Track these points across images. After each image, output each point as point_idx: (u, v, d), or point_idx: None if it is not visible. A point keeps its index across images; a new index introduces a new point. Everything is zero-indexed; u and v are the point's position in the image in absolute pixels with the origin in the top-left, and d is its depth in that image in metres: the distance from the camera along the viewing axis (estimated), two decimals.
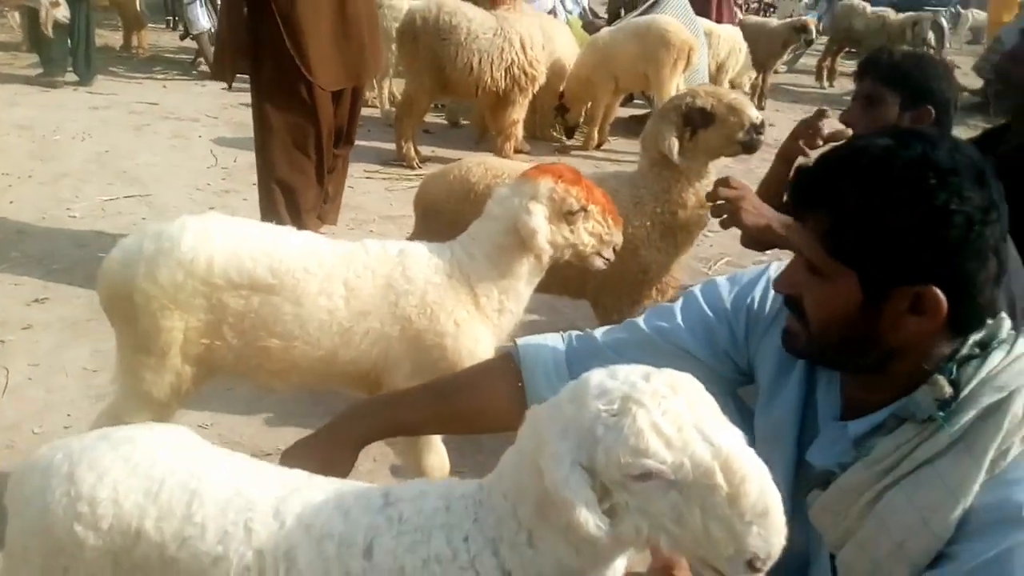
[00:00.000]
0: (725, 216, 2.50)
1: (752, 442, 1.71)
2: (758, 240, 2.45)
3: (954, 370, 1.39)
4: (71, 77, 8.02)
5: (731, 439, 1.09)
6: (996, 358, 1.38)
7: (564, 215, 2.07)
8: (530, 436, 1.17)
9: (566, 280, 2.72)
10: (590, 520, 1.07)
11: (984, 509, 1.32)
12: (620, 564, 1.26)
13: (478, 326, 2.12)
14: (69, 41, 7.90)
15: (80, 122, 6.77)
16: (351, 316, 2.07)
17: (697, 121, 2.62)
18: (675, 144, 2.61)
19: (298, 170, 3.94)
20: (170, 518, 1.27)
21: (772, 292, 1.71)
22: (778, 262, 1.78)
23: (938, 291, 1.32)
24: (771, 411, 1.71)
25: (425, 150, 6.62)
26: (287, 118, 3.88)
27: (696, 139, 2.64)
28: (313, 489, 1.33)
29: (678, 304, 1.80)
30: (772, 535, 1.08)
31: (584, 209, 2.08)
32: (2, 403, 3.08)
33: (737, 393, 1.86)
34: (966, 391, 1.36)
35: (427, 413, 1.77)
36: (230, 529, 1.26)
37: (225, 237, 2.05)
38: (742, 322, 1.73)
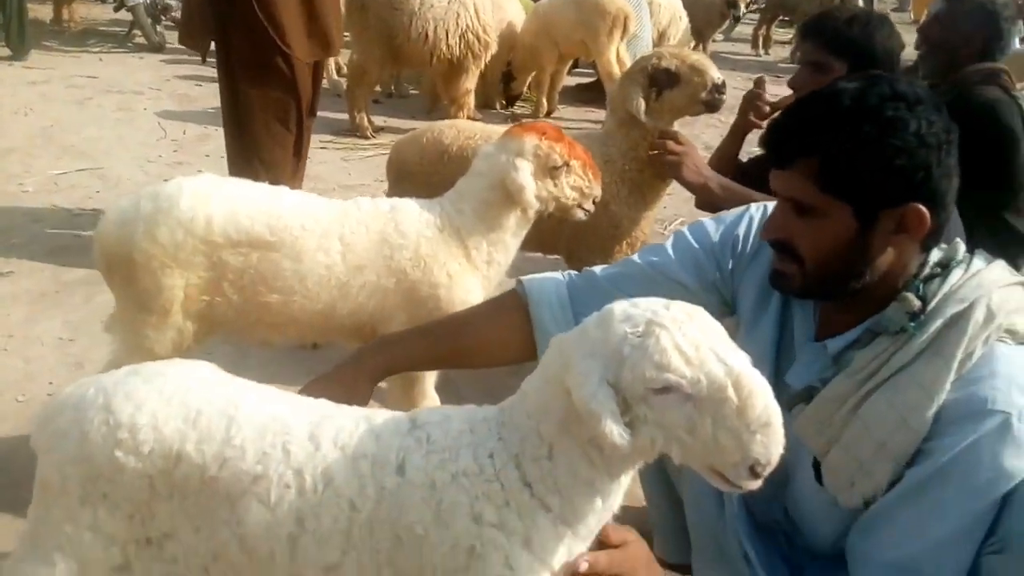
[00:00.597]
0: (668, 168, 2.69)
1: None
2: (702, 200, 2.63)
3: (920, 287, 1.58)
4: (4, 52, 7.77)
5: (741, 360, 1.24)
6: (956, 275, 1.58)
7: (548, 170, 2.19)
8: (556, 359, 1.30)
9: (542, 235, 2.84)
10: (615, 430, 1.20)
11: (954, 405, 1.51)
12: (625, 480, 1.40)
13: (469, 277, 2.24)
14: (1, 16, 7.64)
15: (20, 97, 6.60)
16: (348, 270, 2.16)
17: (663, 82, 2.75)
18: (642, 104, 2.74)
19: (280, 145, 3.89)
20: (210, 441, 1.36)
21: (754, 230, 1.87)
22: (757, 204, 1.94)
23: (921, 207, 1.51)
24: (751, 340, 1.87)
25: (377, 120, 6.65)
26: (268, 94, 3.79)
27: (662, 99, 2.78)
28: (343, 416, 1.43)
29: (669, 241, 1.95)
30: (773, 443, 1.23)
31: (567, 164, 2.20)
32: None
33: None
34: (933, 304, 1.56)
35: (440, 348, 1.89)
36: (268, 451, 1.36)
37: (222, 196, 2.12)
38: (728, 256, 1.88)
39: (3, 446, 2.69)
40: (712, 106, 2.82)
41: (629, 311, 1.26)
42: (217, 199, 2.11)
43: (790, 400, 1.75)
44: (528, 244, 2.85)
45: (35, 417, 1.57)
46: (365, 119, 6.34)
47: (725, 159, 2.95)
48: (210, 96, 7.08)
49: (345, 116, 6.44)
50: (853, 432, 1.60)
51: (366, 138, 6.27)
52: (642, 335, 1.21)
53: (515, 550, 1.30)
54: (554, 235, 2.96)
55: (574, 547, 1.36)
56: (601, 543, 1.42)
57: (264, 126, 3.85)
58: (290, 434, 1.38)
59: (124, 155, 5.51)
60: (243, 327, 2.22)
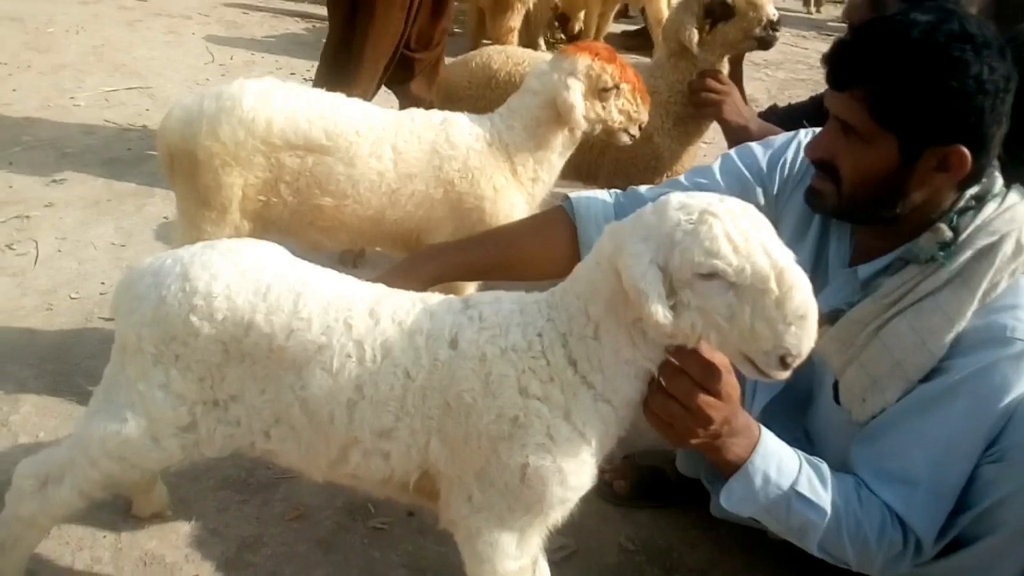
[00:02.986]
0: (708, 108, 2.72)
1: None
2: (740, 141, 2.66)
3: (955, 219, 1.62)
4: None
5: (786, 255, 1.31)
6: (990, 208, 1.61)
7: (599, 91, 2.24)
8: (609, 243, 1.38)
9: (584, 164, 2.90)
10: (660, 311, 1.28)
11: (974, 331, 1.57)
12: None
13: (514, 192, 2.31)
14: None
15: (72, 16, 6.67)
16: (398, 178, 2.24)
17: (718, 13, 2.76)
18: (695, 35, 2.76)
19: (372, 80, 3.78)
20: (279, 313, 1.46)
21: (801, 155, 1.92)
22: (805, 130, 1.98)
23: (965, 150, 1.54)
24: None
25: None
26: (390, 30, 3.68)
27: (715, 31, 2.79)
28: (401, 296, 1.53)
29: (716, 163, 2.00)
30: (805, 336, 1.30)
31: (617, 87, 2.25)
32: (36, 271, 3.21)
33: None
34: (964, 235, 1.60)
35: (489, 258, 1.97)
36: (332, 324, 1.46)
37: (283, 99, 2.20)
38: (775, 180, 1.93)
39: (58, 337, 2.83)
40: (765, 43, 2.83)
41: (685, 201, 1.33)
42: (278, 102, 2.19)
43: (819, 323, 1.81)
44: (569, 172, 2.91)
45: (116, 286, 1.66)
46: None
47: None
48: (256, 24, 7.15)
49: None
50: (872, 351, 1.66)
51: None
52: (695, 222, 1.28)
53: (556, 422, 1.39)
54: (595, 164, 3.01)
55: (613, 423, 1.44)
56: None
57: (373, 65, 3.72)
58: (352, 310, 1.47)
59: (173, 76, 5.59)
60: (296, 229, 2.32)
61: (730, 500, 1.64)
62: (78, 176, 4.02)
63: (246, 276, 1.49)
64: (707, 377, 1.43)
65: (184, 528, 2.13)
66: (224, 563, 2.05)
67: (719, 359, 1.44)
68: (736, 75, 3.11)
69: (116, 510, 2.14)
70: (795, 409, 2.00)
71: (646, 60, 4.76)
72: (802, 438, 1.99)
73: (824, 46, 3.09)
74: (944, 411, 1.58)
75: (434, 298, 1.52)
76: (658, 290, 1.28)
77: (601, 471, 2.38)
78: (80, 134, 4.50)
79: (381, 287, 1.57)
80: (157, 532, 2.11)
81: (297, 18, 7.48)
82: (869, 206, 1.67)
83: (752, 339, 1.30)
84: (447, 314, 1.47)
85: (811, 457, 1.67)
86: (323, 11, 7.90)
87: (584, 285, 1.42)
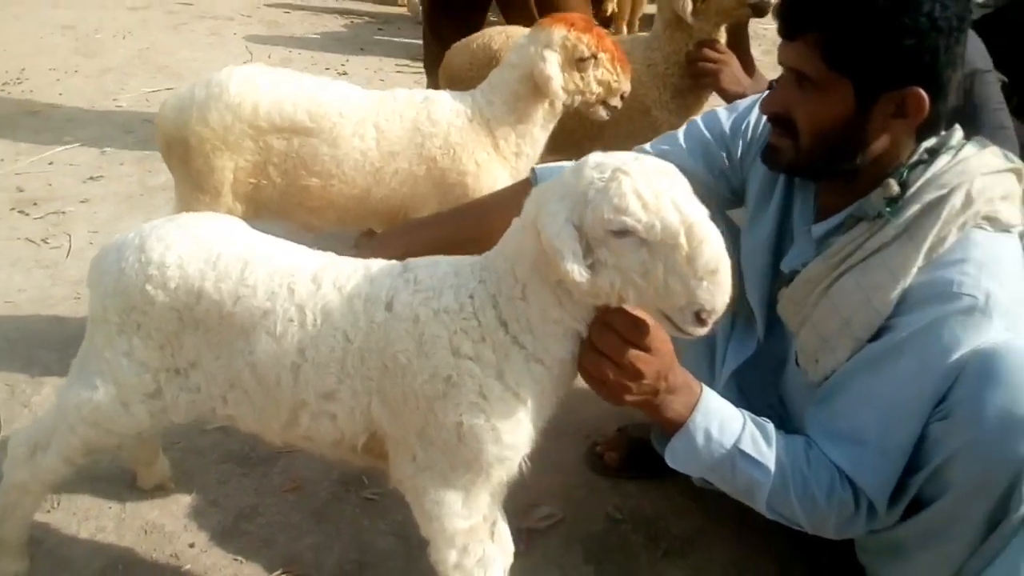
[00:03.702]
0: (706, 77, 2.68)
1: (738, 254, 1.93)
2: None
3: (904, 173, 1.59)
4: None
5: (698, 212, 1.30)
6: (942, 161, 1.57)
7: (576, 62, 2.25)
8: (532, 204, 1.40)
9: (580, 139, 2.90)
10: (575, 268, 1.29)
11: (920, 287, 1.53)
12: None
13: (497, 167, 2.34)
14: None
15: (120, 22, 6.95)
16: (382, 156, 2.29)
17: None
18: (688, 4, 2.73)
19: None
20: (227, 280, 1.53)
21: (764, 119, 1.90)
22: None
23: (922, 92, 1.51)
24: (755, 228, 1.92)
25: None
26: None
27: (709, 0, 2.76)
28: (344, 262, 1.58)
29: (680, 130, 1.99)
30: (718, 291, 1.29)
31: (594, 56, 2.26)
32: (67, 263, 3.38)
33: (727, 213, 2.06)
34: (913, 189, 1.56)
35: (461, 231, 2.00)
36: (276, 290, 1.51)
37: (269, 84, 2.27)
38: (739, 144, 1.92)
39: (83, 325, 2.91)
40: (759, 10, 2.78)
41: (601, 159, 1.34)
42: (264, 86, 2.27)
43: (781, 284, 1.80)
44: (567, 149, 2.92)
45: None
46: None
47: None
48: (296, 23, 7.32)
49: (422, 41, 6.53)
50: (822, 310, 1.64)
51: None
52: (607, 180, 1.29)
53: (489, 381, 1.42)
54: (594, 139, 3.00)
55: (548, 383, 1.46)
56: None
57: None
58: (295, 276, 1.53)
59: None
60: (287, 210, 2.39)
61: (674, 459, 1.64)
62: (114, 173, 4.20)
63: (198, 246, 1.56)
64: (633, 332, 1.43)
65: (185, 499, 2.23)
66: (220, 532, 2.14)
67: (648, 318, 1.45)
68: (742, 44, 3.07)
69: (122, 483, 2.25)
70: (770, 374, 1.99)
71: None
72: (776, 404, 1.97)
73: None
74: (891, 369, 1.54)
75: (376, 263, 1.56)
76: (573, 248, 1.29)
77: (593, 444, 2.44)
78: (120, 133, 4.69)
79: (330, 255, 1.61)
80: (159, 503, 2.21)
81: (336, 15, 7.64)
82: (828, 159, 1.64)
83: (667, 296, 1.31)
84: (385, 278, 1.51)
85: (757, 417, 1.66)
86: (361, 7, 8.09)
87: (511, 247, 1.44)
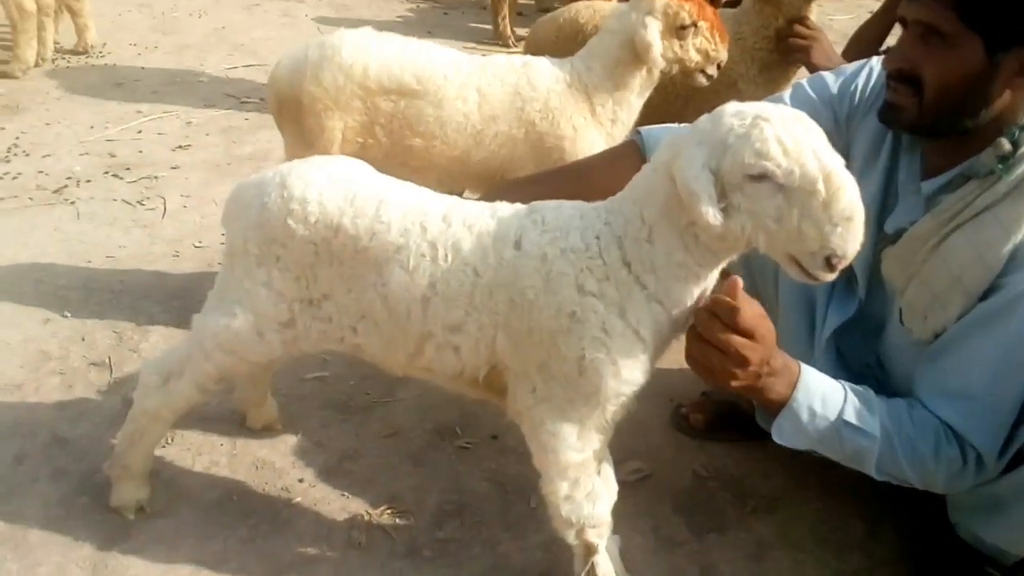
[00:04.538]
0: (797, 53, 2.71)
1: None
2: None
3: (1016, 132, 1.62)
4: None
5: (835, 160, 1.36)
6: None
7: (676, 30, 2.32)
8: (666, 150, 1.47)
9: (664, 115, 2.94)
10: (710, 211, 1.36)
11: None
12: (714, 273, 1.55)
13: (593, 132, 2.41)
14: None
15: (194, 2, 7.14)
16: (483, 119, 2.38)
17: None
18: None
19: None
20: (363, 216, 1.62)
21: (873, 81, 1.93)
22: (877, 57, 2.00)
23: None
24: (860, 189, 1.95)
25: (520, 31, 6.79)
26: None
27: None
28: (471, 204, 1.66)
29: (787, 92, 2.04)
30: (851, 237, 1.35)
31: (695, 24, 2.32)
32: (164, 224, 3.53)
33: None
34: None
35: (563, 191, 2.05)
36: (409, 227, 1.61)
37: (378, 47, 2.38)
38: (845, 106, 1.96)
39: (184, 280, 3.12)
40: None
41: (740, 108, 1.40)
42: (374, 49, 2.37)
43: (884, 244, 1.84)
44: (651, 122, 2.98)
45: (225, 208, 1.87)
46: (508, 27, 6.49)
47: (864, 42, 2.95)
48: (364, 6, 7.45)
49: (488, 26, 6.62)
50: (932, 267, 1.68)
51: (508, 47, 6.42)
52: (747, 126, 1.35)
53: (611, 318, 1.50)
54: (680, 115, 3.05)
55: (665, 324, 1.53)
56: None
57: None
58: (427, 214, 1.62)
59: None
60: (389, 169, 2.40)
61: (781, 436, 1.70)
62: (201, 142, 4.36)
63: (336, 185, 1.66)
64: (738, 320, 1.49)
65: (291, 440, 2.35)
66: (326, 470, 2.25)
67: (753, 305, 1.52)
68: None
69: (232, 423, 2.38)
70: (868, 336, 2.03)
71: None
72: (875, 364, 2.02)
73: None
74: (1002, 327, 1.59)
75: (502, 206, 1.64)
76: (709, 191, 1.35)
77: (678, 406, 2.50)
78: (203, 106, 4.85)
79: (455, 198, 1.70)
80: (267, 442, 2.33)
81: None
82: (951, 116, 1.65)
83: (799, 240, 1.36)
84: (513, 218, 1.59)
85: (856, 386, 1.71)
86: None
87: (641, 191, 1.51)
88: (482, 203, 1.67)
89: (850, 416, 1.67)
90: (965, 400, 1.62)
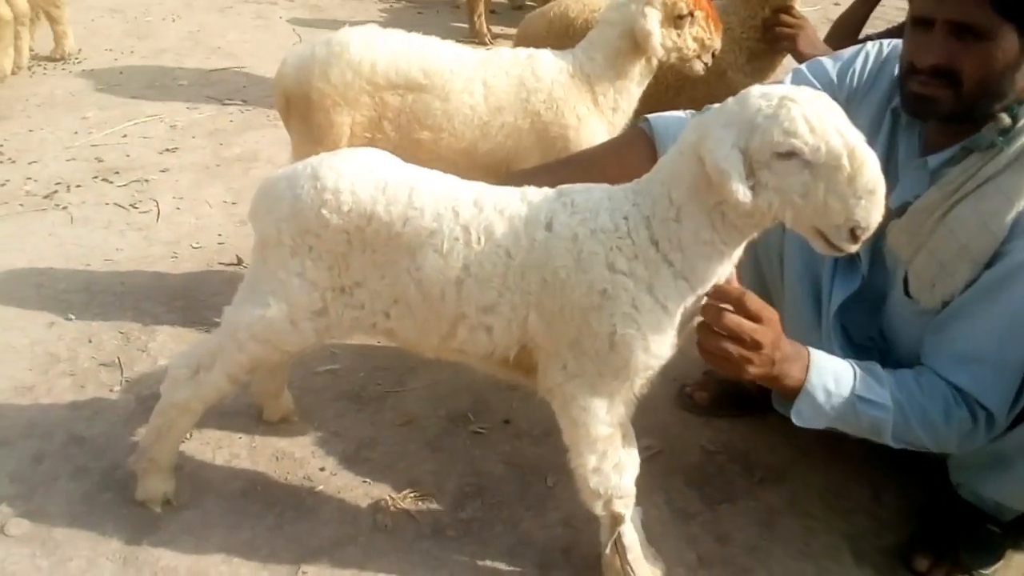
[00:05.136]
0: (784, 41, 2.81)
1: None
2: None
3: (1015, 107, 1.71)
4: None
5: (857, 136, 1.44)
6: None
7: (674, 19, 2.40)
8: (693, 132, 1.54)
9: (656, 105, 3.03)
10: (740, 188, 1.43)
11: None
12: (738, 252, 1.63)
13: (595, 121, 2.48)
14: None
15: (166, 6, 7.09)
16: (489, 111, 2.44)
17: None
18: None
19: None
20: (396, 204, 1.68)
21: (870, 65, 2.03)
22: (873, 42, 2.09)
23: None
24: None
25: (494, 28, 6.86)
26: None
27: None
28: (499, 190, 1.72)
29: (787, 77, 2.13)
30: (874, 209, 1.43)
31: (691, 14, 2.40)
32: (159, 226, 3.54)
33: None
34: (1023, 121, 1.69)
35: (574, 178, 2.13)
36: (442, 211, 1.66)
37: (385, 43, 2.43)
38: (845, 90, 2.05)
39: (184, 280, 3.14)
40: None
41: (766, 90, 1.48)
42: (380, 45, 2.42)
43: (888, 219, 1.92)
44: (644, 111, 3.06)
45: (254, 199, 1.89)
46: (484, 25, 6.56)
47: (845, 28, 3.05)
48: (338, 7, 7.46)
49: (463, 24, 6.67)
50: (939, 237, 1.77)
51: (484, 44, 6.48)
52: (775, 107, 1.43)
53: (640, 294, 1.57)
54: (671, 104, 3.13)
55: (691, 300, 1.61)
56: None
57: None
58: (459, 200, 1.68)
59: (265, 56, 5.91)
60: None
61: (801, 419, 1.79)
62: (188, 145, 4.36)
63: (367, 174, 1.71)
64: (745, 303, 1.58)
65: (308, 431, 2.39)
66: (345, 458, 2.30)
67: (754, 300, 1.61)
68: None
69: (249, 417, 2.41)
70: (871, 309, 2.12)
71: None
72: (877, 336, 2.11)
73: (901, 2, 3.16)
74: (1007, 292, 1.68)
75: (531, 190, 1.71)
76: (739, 170, 1.42)
77: (682, 385, 2.58)
78: (186, 109, 4.85)
79: (483, 184, 1.76)
80: (285, 434, 2.37)
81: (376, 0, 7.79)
82: (987, 103, 1.72)
83: (825, 214, 1.44)
84: (543, 201, 1.66)
85: (863, 362, 1.80)
86: None
87: (668, 173, 1.58)
88: (511, 188, 1.73)
89: (862, 391, 1.76)
90: (975, 363, 1.72)
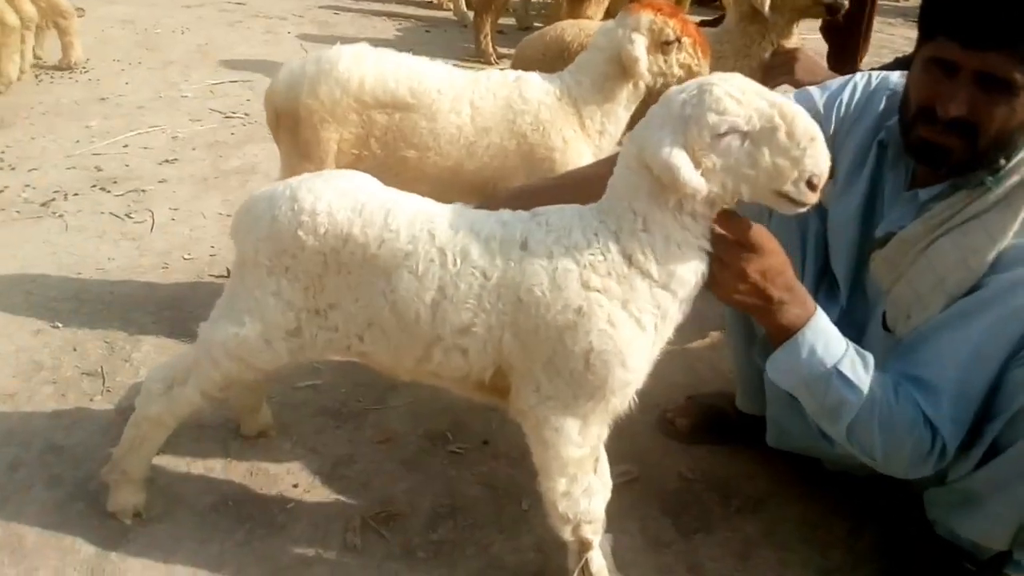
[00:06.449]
0: (781, 66, 2.82)
1: (824, 227, 2.04)
2: None
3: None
4: None
5: (778, 96, 1.50)
6: None
7: (661, 45, 2.41)
8: (632, 145, 1.58)
9: None
10: (692, 177, 1.47)
11: (1014, 248, 1.67)
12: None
13: (582, 144, 2.49)
14: None
15: (177, 18, 7.19)
16: (476, 131, 2.45)
17: None
18: None
19: None
20: (372, 225, 1.68)
21: (857, 96, 2.03)
22: (861, 73, 2.10)
23: None
24: (845, 200, 2.04)
25: (500, 49, 6.90)
26: None
27: None
28: (476, 211, 1.73)
29: None
30: (821, 155, 1.48)
31: (679, 40, 2.41)
32: (152, 236, 3.55)
33: None
34: (1013, 162, 1.69)
35: (561, 199, 2.14)
36: (417, 233, 1.66)
37: (374, 62, 2.44)
38: (832, 120, 2.05)
39: (174, 290, 3.14)
40: (833, 9, 2.93)
41: (681, 87, 1.53)
42: (370, 64, 2.43)
43: (872, 250, 1.92)
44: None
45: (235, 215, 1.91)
46: (490, 45, 6.60)
47: None
48: (347, 24, 7.54)
49: (469, 44, 6.72)
50: (918, 268, 1.77)
51: (489, 63, 6.53)
52: (698, 95, 1.48)
53: (615, 311, 1.57)
54: None
55: (672, 308, 1.61)
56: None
57: None
58: (434, 221, 1.68)
59: (271, 71, 5.85)
60: (383, 180, 2.52)
61: (775, 369, 1.76)
62: (187, 156, 4.39)
63: (344, 196, 1.71)
64: (731, 224, 1.60)
65: (286, 446, 2.38)
66: (321, 475, 2.28)
67: (758, 232, 1.62)
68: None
69: (227, 431, 2.40)
70: (855, 333, 2.10)
71: None
72: None
73: (910, 32, 3.16)
74: (976, 322, 1.66)
75: (505, 212, 1.71)
76: (684, 160, 1.46)
77: (664, 411, 2.57)
78: (188, 121, 4.89)
79: (460, 206, 1.76)
80: (262, 449, 2.36)
81: (384, 17, 7.86)
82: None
83: (778, 175, 1.48)
84: (518, 222, 1.66)
85: (860, 348, 1.77)
86: (409, 11, 8.28)
87: (623, 188, 1.60)
88: (485, 211, 1.73)
89: (845, 368, 1.72)
90: (932, 391, 1.69)
